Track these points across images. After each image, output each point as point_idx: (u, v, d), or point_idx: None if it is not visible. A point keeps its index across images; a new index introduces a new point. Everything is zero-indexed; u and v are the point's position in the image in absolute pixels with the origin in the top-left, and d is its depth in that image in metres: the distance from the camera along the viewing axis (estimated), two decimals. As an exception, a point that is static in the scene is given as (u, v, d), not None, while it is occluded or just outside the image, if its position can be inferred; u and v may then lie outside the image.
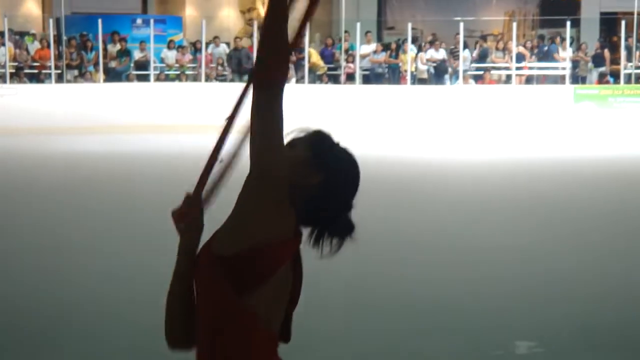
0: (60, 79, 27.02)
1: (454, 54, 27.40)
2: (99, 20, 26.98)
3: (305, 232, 2.75)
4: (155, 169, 17.22)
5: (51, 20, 27.64)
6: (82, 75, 27.28)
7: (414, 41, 28.41)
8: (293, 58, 23.02)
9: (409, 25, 27.39)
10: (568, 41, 27.06)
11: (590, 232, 11.36)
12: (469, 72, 27.47)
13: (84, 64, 27.47)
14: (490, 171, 17.29)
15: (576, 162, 18.88)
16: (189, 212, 2.76)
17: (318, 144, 2.76)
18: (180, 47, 28.57)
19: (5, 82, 25.88)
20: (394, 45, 28.53)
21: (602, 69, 27.44)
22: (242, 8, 33.72)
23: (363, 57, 27.71)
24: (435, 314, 7.71)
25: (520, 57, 27.28)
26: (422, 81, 27.56)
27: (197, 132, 19.54)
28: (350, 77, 27.48)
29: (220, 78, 27.70)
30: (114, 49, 27.92)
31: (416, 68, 27.56)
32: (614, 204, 13.65)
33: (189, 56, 28.19)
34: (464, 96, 26.02)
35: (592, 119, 24.99)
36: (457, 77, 26.94)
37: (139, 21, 30.78)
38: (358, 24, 27.34)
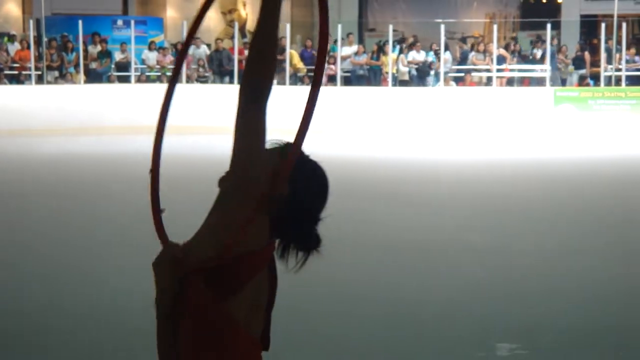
0: (40, 80, 26.89)
1: (438, 55, 27.45)
2: (80, 21, 26.85)
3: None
4: (136, 170, 17.14)
5: (31, 21, 27.53)
6: (63, 76, 27.17)
7: (400, 42, 28.39)
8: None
9: (390, 27, 27.41)
10: (548, 43, 27.14)
11: (570, 233, 11.40)
12: (450, 74, 27.51)
13: (65, 65, 27.35)
14: (470, 173, 17.31)
15: (556, 164, 18.93)
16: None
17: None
18: (161, 49, 28.50)
19: (-15, 83, 25.76)
20: (375, 47, 28.54)
21: (582, 71, 27.54)
22: (223, 9, 33.67)
23: (344, 58, 27.72)
24: (417, 315, 7.71)
25: (500, 59, 27.35)
26: (403, 83, 27.59)
27: (178, 133, 19.48)
28: (332, 79, 27.46)
29: (202, 79, 27.65)
30: (94, 50, 27.83)
31: (397, 70, 27.58)
32: (592, 205, 13.70)
33: (170, 57, 28.12)
34: (445, 98, 26.06)
35: (572, 121, 25.07)
36: (438, 79, 26.98)
37: (119, 22, 30.71)
38: (339, 26, 27.34)
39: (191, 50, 27.90)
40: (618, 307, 8.05)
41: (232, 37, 28.61)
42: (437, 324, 7.45)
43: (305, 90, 26.67)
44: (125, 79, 27.60)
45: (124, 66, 27.83)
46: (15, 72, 27.17)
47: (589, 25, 31.36)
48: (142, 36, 29.25)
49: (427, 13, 31.71)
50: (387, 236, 11.03)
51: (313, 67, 23.48)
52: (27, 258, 9.79)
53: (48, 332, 7.19)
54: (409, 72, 27.66)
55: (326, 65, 27.27)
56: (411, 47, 27.84)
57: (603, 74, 26.72)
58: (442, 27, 26.55)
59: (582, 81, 27.27)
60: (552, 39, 27.77)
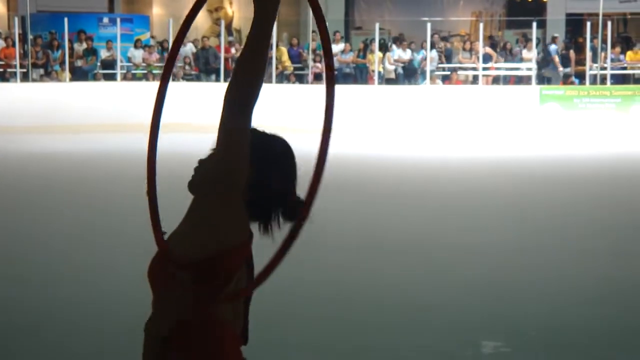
0: (25, 77, 26.81)
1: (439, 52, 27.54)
2: (65, 19, 26.78)
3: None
4: (122, 168, 17.13)
5: (16, 19, 27.43)
6: (48, 74, 27.10)
7: (395, 41, 28.35)
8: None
9: (377, 25, 27.42)
10: (534, 42, 27.20)
11: (555, 231, 11.43)
12: (437, 73, 27.54)
13: (50, 62, 27.29)
14: (456, 171, 17.34)
15: (541, 162, 18.98)
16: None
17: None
18: (147, 46, 28.45)
19: (-31, 80, 25.68)
20: (361, 45, 28.54)
21: (568, 69, 27.60)
22: (209, 7, 33.63)
23: (330, 56, 27.67)
24: (402, 314, 7.72)
25: (487, 58, 27.39)
26: (389, 81, 27.61)
27: (164, 131, 19.43)
28: (318, 77, 27.47)
29: (188, 77, 27.62)
30: (80, 47, 27.76)
31: (384, 68, 27.60)
32: (577, 203, 13.74)
33: (156, 55, 28.07)
34: (431, 96, 26.09)
35: (558, 120, 25.13)
36: (425, 77, 27.01)
37: (105, 20, 30.63)
38: (326, 24, 27.30)
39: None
40: (605, 307, 8.08)
41: (218, 35, 28.57)
42: (423, 323, 7.46)
43: (291, 88, 26.80)
44: (111, 77, 27.54)
45: (109, 64, 27.77)
46: (0, 70, 27.07)
47: (575, 24, 31.42)
48: (128, 34, 29.19)
49: (413, 11, 31.72)
50: (371, 231, 11.04)
51: (299, 65, 23.46)
52: (19, 256, 9.78)
53: (38, 335, 7.19)
54: (395, 70, 27.68)
55: (312, 63, 27.43)
56: (397, 45, 27.87)
57: (588, 73, 26.79)
58: (429, 25, 26.57)
59: (567, 80, 27.33)
60: (553, 38, 27.75)
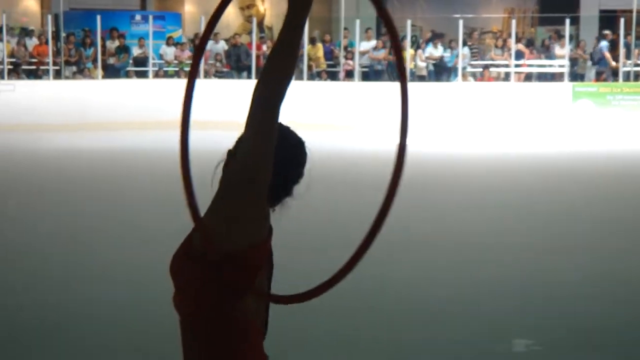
0: (58, 75, 26.97)
1: (472, 49, 27.42)
2: (98, 17, 26.92)
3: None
4: (154, 165, 17.20)
5: (50, 16, 27.59)
6: (81, 71, 27.24)
7: (434, 38, 28.20)
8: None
9: (409, 23, 27.36)
10: (567, 39, 27.03)
11: (588, 230, 11.36)
12: (468, 70, 27.44)
13: (83, 60, 27.43)
14: (489, 168, 17.27)
15: (574, 160, 18.87)
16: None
17: None
18: (179, 44, 28.53)
19: (3, 78, 25.84)
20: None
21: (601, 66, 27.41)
22: (241, 5, 33.68)
23: (362, 54, 27.70)
24: (433, 312, 7.70)
25: (519, 55, 27.26)
26: (421, 78, 27.54)
27: (195, 129, 19.49)
28: (350, 74, 27.46)
29: (219, 74, 27.67)
30: (112, 45, 27.88)
31: (415, 65, 27.54)
32: (612, 201, 13.64)
33: (187, 52, 28.14)
34: (463, 93, 26.00)
35: (591, 117, 24.97)
36: (456, 75, 26.91)
37: (137, 17, 30.74)
38: (358, 21, 27.31)
39: (209, 45, 27.91)
40: (636, 306, 8.02)
41: (250, 33, 28.61)
42: (456, 319, 7.44)
43: (323, 85, 26.78)
44: (143, 74, 27.65)
45: (141, 61, 27.88)
46: (33, 67, 27.25)
47: (608, 20, 31.18)
48: (160, 31, 29.29)
49: (445, 8, 31.60)
50: (402, 229, 11.01)
51: (331, 62, 23.42)
52: (46, 254, 9.84)
53: (59, 331, 7.22)
54: (427, 67, 27.61)
55: (344, 60, 27.41)
56: (429, 42, 27.80)
57: (622, 69, 26.59)
58: (461, 22, 26.49)
59: (599, 76, 27.15)
60: (604, 35, 27.50)
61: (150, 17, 28.63)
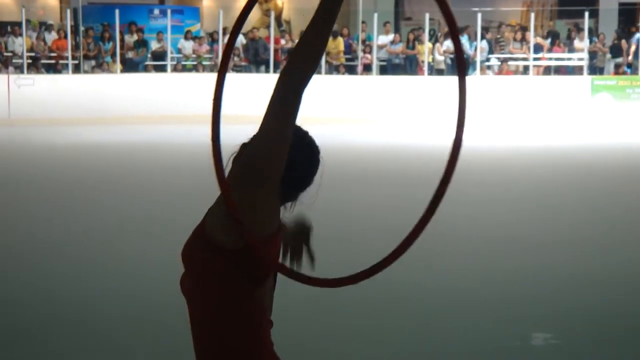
0: (77, 69, 27.07)
1: (499, 42, 27.36)
2: (117, 11, 27.01)
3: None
4: (172, 159, 17.25)
5: (68, 11, 27.68)
6: (99, 65, 27.33)
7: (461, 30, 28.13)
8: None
9: (427, 16, 27.32)
10: (586, 32, 26.93)
11: (607, 223, 11.32)
12: (487, 63, 27.38)
13: (101, 54, 27.52)
14: (505, 161, 17.24)
15: (593, 153, 18.81)
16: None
17: None
18: (197, 38, 28.58)
19: (22, 72, 25.96)
20: (411, 36, 28.41)
21: (620, 59, 27.30)
22: (259, -1, 33.70)
23: (380, 47, 27.67)
24: (451, 305, 7.70)
25: (538, 48, 27.18)
26: (439, 72, 27.50)
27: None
28: (367, 68, 27.45)
29: (237, 69, 27.70)
30: (131, 39, 27.95)
31: (433, 59, 27.50)
32: (631, 195, 13.60)
33: (206, 47, 28.19)
34: (481, 87, 25.94)
35: (610, 110, 24.89)
36: (475, 68, 26.85)
37: (156, 12, 30.80)
38: (375, 15, 27.29)
39: (226, 39, 27.87)
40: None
41: (268, 27, 28.61)
42: (473, 313, 7.44)
43: (341, 79, 26.77)
44: (161, 69, 27.72)
45: (160, 55, 27.94)
46: (53, 62, 27.35)
47: (627, 14, 31.05)
48: (178, 25, 29.33)
49: (464, 2, 31.52)
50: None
51: (349, 56, 23.34)
52: (64, 248, 9.88)
53: (74, 325, 7.25)
54: (445, 60, 27.56)
55: (362, 54, 27.39)
56: (446, 36, 27.73)
57: (642, 63, 26.49)
58: (479, 15, 26.43)
59: (618, 69, 27.03)
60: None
61: (169, 11, 28.68)
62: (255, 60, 27.71)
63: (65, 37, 27.08)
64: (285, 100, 2.61)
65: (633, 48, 26.87)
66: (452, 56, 27.49)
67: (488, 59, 27.48)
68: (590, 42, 27.16)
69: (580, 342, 6.82)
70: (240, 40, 28.24)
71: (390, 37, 28.03)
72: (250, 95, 24.07)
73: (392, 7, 33.43)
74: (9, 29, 27.68)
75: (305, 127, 2.85)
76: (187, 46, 28.09)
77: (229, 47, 2.89)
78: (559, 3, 33.89)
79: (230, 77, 26.01)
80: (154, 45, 28.18)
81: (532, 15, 27.55)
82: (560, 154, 18.78)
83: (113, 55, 27.33)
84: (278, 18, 31.50)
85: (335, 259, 9.33)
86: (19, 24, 26.81)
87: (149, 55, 28.01)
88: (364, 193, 12.99)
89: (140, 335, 6.86)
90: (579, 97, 25.22)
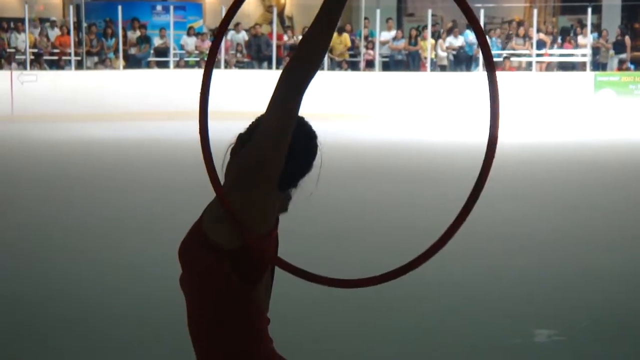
0: (80, 65, 27.09)
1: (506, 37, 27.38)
2: (119, 7, 27.00)
3: None
4: (175, 156, 17.24)
5: (71, 7, 27.70)
6: (102, 62, 27.33)
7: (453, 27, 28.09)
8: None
9: (429, 12, 27.31)
10: (589, 28, 26.90)
11: (610, 219, 11.31)
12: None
13: (104, 50, 27.52)
14: (508, 158, 17.21)
15: (596, 149, 18.79)
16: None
17: None
18: (199, 34, 28.58)
19: (25, 68, 25.96)
20: (413, 32, 28.40)
21: (623, 55, 27.27)
22: (262, -6, 33.68)
23: (383, 43, 27.65)
24: (453, 302, 7.69)
25: (540, 44, 27.15)
26: (442, 68, 27.49)
27: (216, 119, 19.53)
28: (370, 64, 27.44)
29: (240, 65, 27.70)
30: (133, 35, 27.96)
31: (436, 55, 27.48)
32: (632, 190, 13.59)
33: (208, 43, 28.16)
34: (484, 83, 25.89)
35: (613, 106, 24.86)
36: (477, 64, 26.83)
37: (158, 8, 30.81)
38: (378, 11, 27.28)
39: (230, 35, 27.94)
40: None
41: (270, 23, 28.60)
42: (477, 310, 7.43)
43: (344, 75, 26.77)
44: (164, 65, 27.73)
45: (162, 52, 27.95)
46: (55, 58, 27.36)
47: (630, 10, 31.02)
48: (181, 22, 29.34)
49: (466, -2, 31.47)
50: (424, 218, 10.99)
51: (351, 52, 23.33)
52: (67, 245, 9.88)
53: (70, 322, 7.25)
54: (447, 57, 27.54)
55: (364, 50, 27.38)
56: (449, 32, 27.71)
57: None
58: (482, 11, 26.41)
59: (621, 65, 27.01)
60: None
61: (171, 8, 28.69)
62: (258, 56, 27.70)
63: (68, 33, 27.10)
64: (287, 99, 2.60)
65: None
66: (454, 52, 27.48)
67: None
68: (594, 38, 27.12)
69: (584, 339, 6.81)
70: (243, 36, 28.24)
71: (393, 33, 28.01)
72: (252, 92, 24.09)
73: (394, 3, 33.42)
74: (12, 25, 27.69)
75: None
76: (190, 42, 28.09)
77: (216, 45, 2.89)
78: (561, -1, 33.88)
79: (233, 73, 26.18)
80: (157, 42, 28.18)
81: (535, 11, 27.51)
82: (563, 150, 18.76)
83: (116, 51, 27.34)
84: (280, 14, 31.50)
85: (339, 255, 9.32)
86: (22, 20, 26.81)
87: (152, 52, 28.01)
88: (367, 189, 12.98)
89: (141, 332, 6.85)
90: (582, 93, 25.20)
